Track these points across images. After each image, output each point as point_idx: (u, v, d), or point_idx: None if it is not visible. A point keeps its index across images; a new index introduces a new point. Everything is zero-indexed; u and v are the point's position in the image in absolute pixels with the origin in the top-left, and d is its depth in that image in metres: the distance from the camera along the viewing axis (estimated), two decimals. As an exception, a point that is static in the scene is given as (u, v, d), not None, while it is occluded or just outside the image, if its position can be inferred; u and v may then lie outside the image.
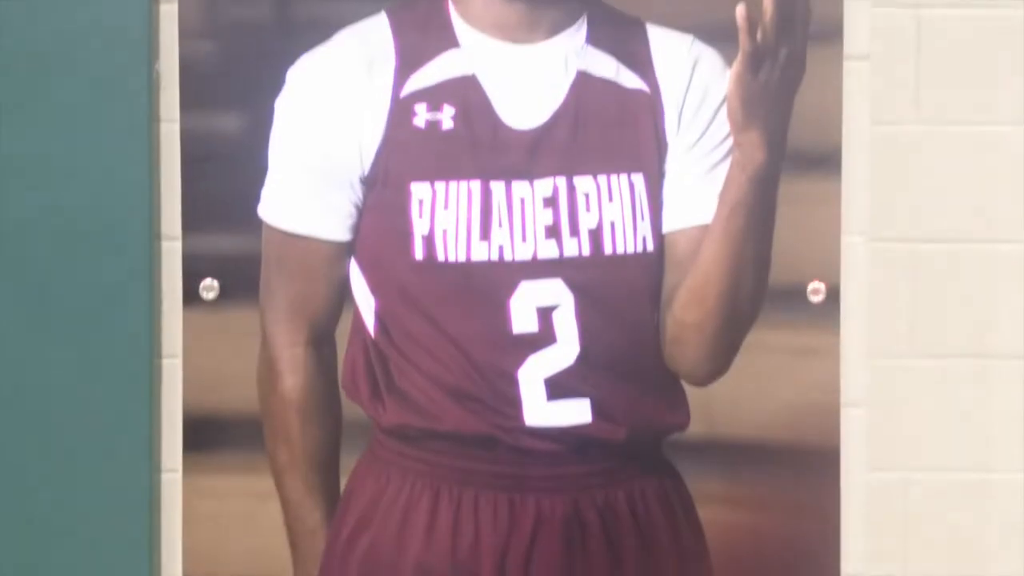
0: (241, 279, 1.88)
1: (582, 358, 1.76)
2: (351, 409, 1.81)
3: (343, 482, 1.85)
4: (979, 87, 1.83)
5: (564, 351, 1.76)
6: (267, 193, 1.80)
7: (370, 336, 1.79)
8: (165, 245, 1.85)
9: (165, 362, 1.87)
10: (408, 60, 1.75)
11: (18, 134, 1.82)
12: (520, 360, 1.76)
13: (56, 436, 1.85)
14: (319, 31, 1.79)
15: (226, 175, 1.85)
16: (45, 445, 1.84)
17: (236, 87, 1.85)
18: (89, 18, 1.80)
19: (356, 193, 1.77)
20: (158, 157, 1.84)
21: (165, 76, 1.83)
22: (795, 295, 1.90)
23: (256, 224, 1.81)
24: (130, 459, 1.85)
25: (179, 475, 1.87)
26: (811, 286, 1.89)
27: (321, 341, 1.82)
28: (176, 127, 1.84)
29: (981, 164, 1.85)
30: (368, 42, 1.76)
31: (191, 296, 1.86)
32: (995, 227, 1.86)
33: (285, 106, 1.79)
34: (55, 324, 1.84)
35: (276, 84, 1.79)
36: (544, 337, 1.76)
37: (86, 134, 1.82)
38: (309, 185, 1.77)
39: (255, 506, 1.91)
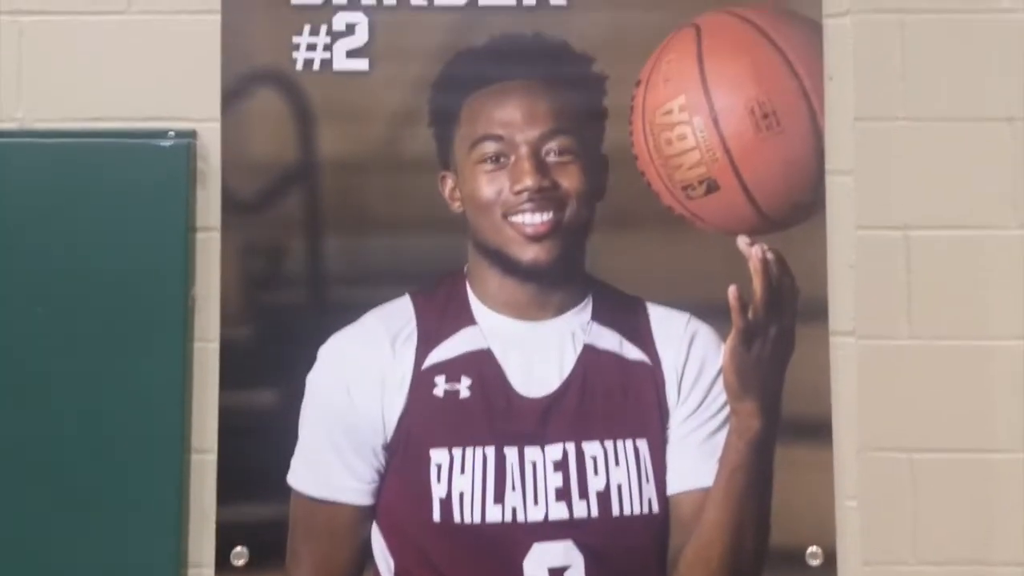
0: (270, 546, 1.84)
1: (592, 620, 1.72)
2: (370, 670, 1.75)
3: None
4: (969, 304, 1.85)
5: (575, 613, 1.72)
6: (296, 462, 1.79)
7: (389, 597, 1.75)
8: (195, 458, 1.83)
9: (191, 572, 1.81)
10: (429, 337, 1.78)
11: (59, 348, 1.83)
12: (534, 623, 1.72)
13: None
14: (349, 312, 1.82)
15: (259, 448, 1.84)
16: None
17: (271, 365, 1.86)
18: (128, 245, 1.83)
19: (379, 460, 1.76)
20: (191, 376, 1.84)
21: (204, 298, 1.85)
22: (794, 559, 1.85)
23: (285, 493, 1.79)
24: None
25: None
26: (809, 550, 1.84)
27: (343, 604, 1.78)
28: (213, 346, 1.86)
29: (973, 376, 1.85)
30: (392, 322, 1.80)
31: (222, 563, 1.83)
32: (991, 438, 1.84)
33: (315, 380, 1.80)
34: (84, 533, 1.79)
35: (308, 360, 1.81)
36: (556, 599, 1.73)
37: (123, 352, 1.82)
38: (335, 453, 1.76)
39: None
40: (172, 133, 1.85)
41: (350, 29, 1.85)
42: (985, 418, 1.84)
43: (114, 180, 1.84)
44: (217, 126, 1.86)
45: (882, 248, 1.84)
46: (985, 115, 1.87)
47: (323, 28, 1.85)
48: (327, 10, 1.86)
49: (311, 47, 1.85)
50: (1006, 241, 1.86)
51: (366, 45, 1.85)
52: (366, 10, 1.85)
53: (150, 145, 1.85)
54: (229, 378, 1.84)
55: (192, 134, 1.86)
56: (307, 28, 1.85)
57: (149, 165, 1.85)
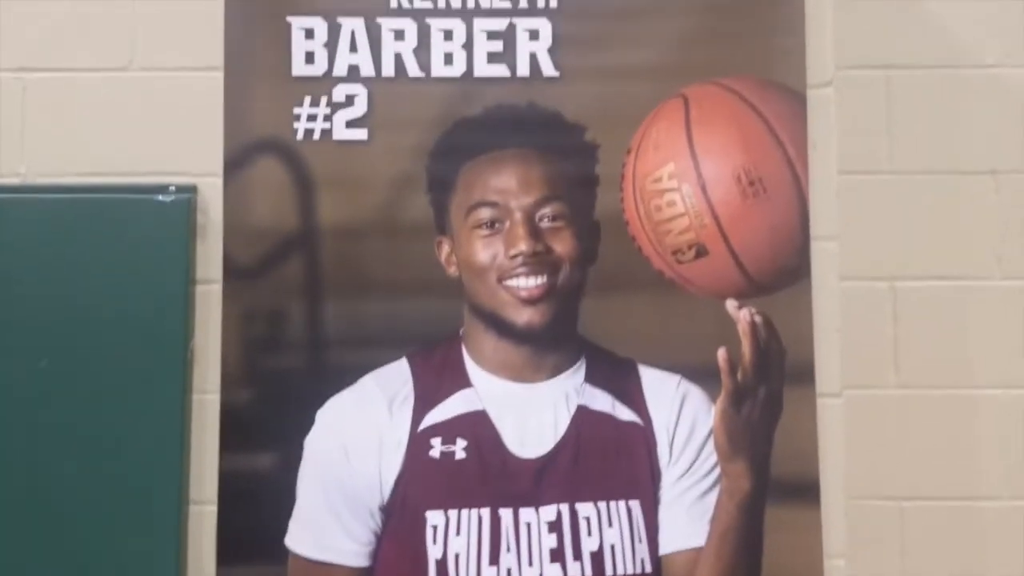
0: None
1: None
2: None
3: None
4: (956, 353, 1.85)
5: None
6: (294, 524, 1.78)
7: (385, 659, 1.73)
8: (194, 509, 1.82)
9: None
10: (425, 398, 1.78)
11: (60, 399, 1.82)
12: None
13: None
14: (347, 375, 1.82)
15: (258, 510, 1.83)
16: None
17: (271, 428, 1.85)
18: (129, 298, 1.83)
19: (375, 521, 1.75)
20: (189, 427, 1.84)
21: (203, 350, 1.85)
22: (785, 618, 1.85)
23: (284, 555, 1.77)
24: None
25: None
26: (800, 609, 1.84)
27: (340, 665, 1.76)
28: (212, 397, 1.85)
29: (961, 425, 1.85)
30: (390, 384, 1.80)
31: (220, 624, 1.81)
32: (979, 486, 1.83)
33: (313, 443, 1.79)
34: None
35: (307, 424, 1.81)
36: (551, 661, 1.71)
37: (123, 404, 1.81)
38: (333, 515, 1.76)
39: None
40: (173, 188, 1.86)
41: (350, 100, 1.87)
42: (973, 466, 1.84)
43: (115, 234, 1.86)
44: (217, 181, 1.87)
45: (870, 299, 1.85)
46: (969, 168, 1.89)
47: (323, 99, 1.87)
48: (327, 82, 1.88)
49: (312, 118, 1.87)
50: (991, 292, 1.87)
51: (365, 115, 1.87)
52: (365, 82, 1.88)
53: (151, 200, 1.86)
54: (229, 441, 1.83)
55: (193, 189, 1.87)
56: (308, 100, 1.87)
57: (150, 219, 1.86)
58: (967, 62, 1.90)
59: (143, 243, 1.85)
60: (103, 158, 1.89)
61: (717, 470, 1.74)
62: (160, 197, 1.86)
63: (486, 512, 1.73)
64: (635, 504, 1.74)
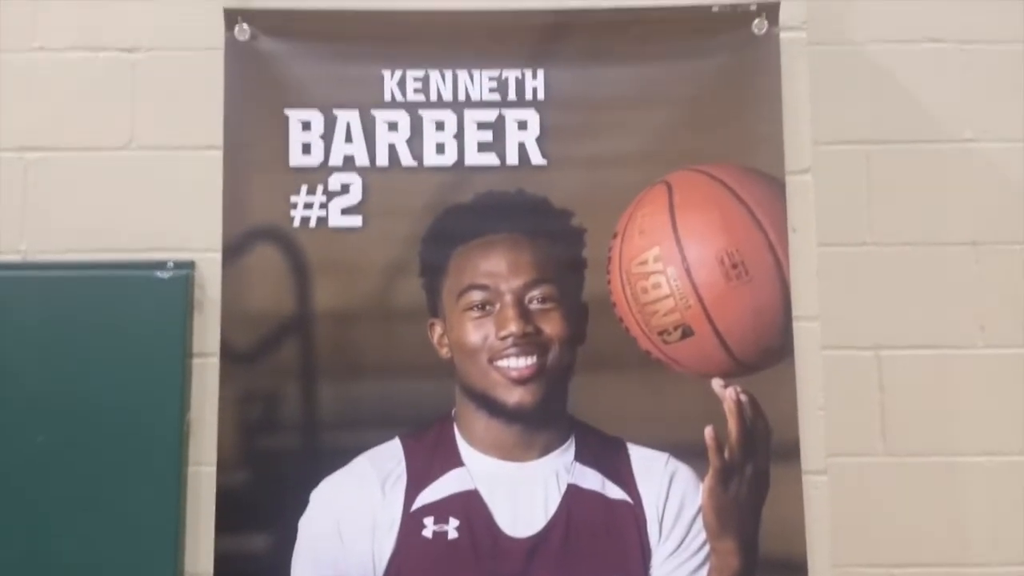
0: None
1: None
2: None
3: None
4: (939, 420, 1.85)
5: None
6: (289, 606, 1.76)
7: None
8: None
9: None
10: (418, 478, 1.77)
11: (58, 474, 1.81)
12: None
13: None
14: (341, 456, 1.81)
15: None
16: None
17: (266, 509, 1.84)
18: (127, 372, 1.83)
19: (370, 602, 1.73)
20: (185, 499, 1.83)
21: (199, 422, 1.84)
22: None
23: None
24: None
25: None
26: None
27: None
28: (208, 470, 1.83)
29: (946, 493, 1.83)
30: (383, 465, 1.79)
31: None
32: (966, 551, 1.82)
33: (307, 524, 1.78)
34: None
35: (301, 504, 1.79)
36: None
37: (120, 478, 1.80)
38: (327, 597, 1.74)
39: None
40: (171, 264, 1.87)
41: (345, 189, 1.89)
42: (962, 533, 1.83)
43: (114, 310, 1.87)
44: (215, 256, 1.88)
45: (854, 368, 1.85)
46: (950, 239, 1.90)
47: (320, 188, 1.89)
48: (323, 171, 1.90)
49: (308, 206, 1.88)
50: (975, 360, 1.88)
51: (360, 203, 1.88)
52: (360, 171, 1.90)
53: (149, 276, 1.87)
54: (225, 522, 1.81)
55: (191, 264, 1.88)
56: (304, 188, 1.89)
57: (148, 295, 1.87)
58: (945, 137, 1.93)
59: (142, 319, 1.86)
60: (102, 235, 1.91)
61: (706, 547, 1.72)
62: (159, 273, 1.88)
63: (478, 593, 1.71)
64: (626, 583, 1.73)
